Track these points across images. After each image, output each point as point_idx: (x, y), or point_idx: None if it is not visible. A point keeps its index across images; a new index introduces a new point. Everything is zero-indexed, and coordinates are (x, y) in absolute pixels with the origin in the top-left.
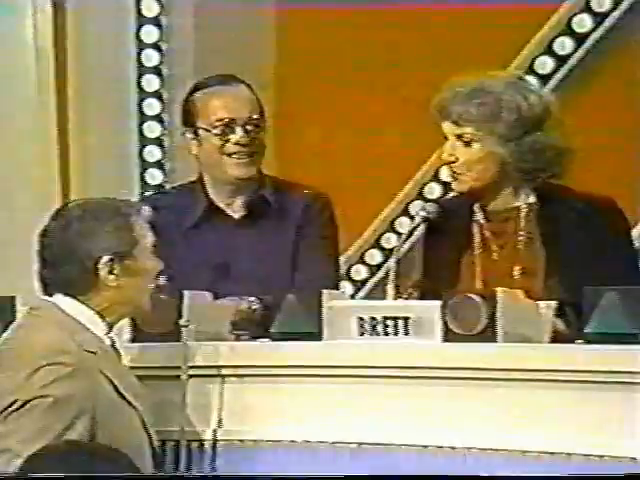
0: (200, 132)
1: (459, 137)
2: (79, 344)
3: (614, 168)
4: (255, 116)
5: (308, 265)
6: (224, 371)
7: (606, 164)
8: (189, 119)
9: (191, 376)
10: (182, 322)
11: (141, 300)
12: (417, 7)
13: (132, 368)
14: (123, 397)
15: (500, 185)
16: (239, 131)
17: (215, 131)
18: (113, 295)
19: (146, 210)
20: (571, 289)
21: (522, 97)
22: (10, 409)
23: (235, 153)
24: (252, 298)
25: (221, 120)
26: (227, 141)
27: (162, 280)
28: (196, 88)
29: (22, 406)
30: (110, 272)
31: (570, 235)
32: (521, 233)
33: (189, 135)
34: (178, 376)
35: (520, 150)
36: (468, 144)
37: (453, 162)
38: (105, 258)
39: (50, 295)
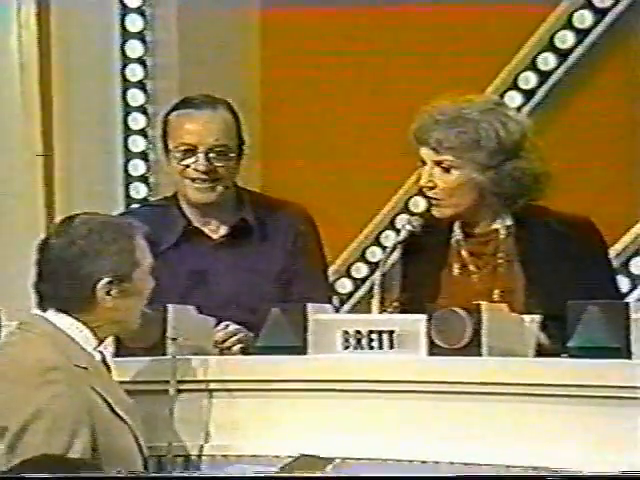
0: (169, 153)
1: (438, 164)
2: (69, 359)
3: (605, 180)
4: (221, 144)
5: (306, 289)
6: (212, 385)
7: (596, 176)
8: (163, 136)
9: (179, 390)
10: (172, 335)
11: (132, 320)
12: (404, 23)
13: (120, 383)
14: (115, 413)
15: (479, 209)
16: (200, 158)
17: (176, 155)
18: (106, 314)
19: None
20: (551, 308)
21: (501, 124)
22: (8, 433)
23: (195, 179)
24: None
25: (184, 145)
26: (187, 166)
27: None
28: (175, 107)
29: (22, 429)
30: (107, 293)
31: (548, 256)
32: (500, 255)
33: (164, 152)
34: (166, 390)
35: (500, 177)
36: (447, 171)
37: (431, 188)
38: (104, 280)
39: (44, 309)
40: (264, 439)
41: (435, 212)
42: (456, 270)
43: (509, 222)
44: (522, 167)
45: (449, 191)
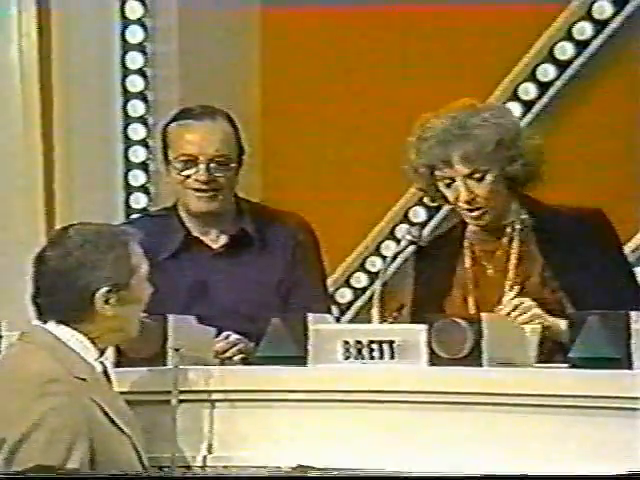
0: (169, 163)
1: (470, 175)
2: (69, 371)
3: (605, 192)
4: (221, 154)
5: (305, 299)
6: (213, 396)
7: (595, 188)
8: (163, 147)
9: (181, 401)
10: (175, 345)
11: (132, 327)
12: (405, 35)
13: (121, 393)
14: (114, 424)
15: (505, 203)
16: (201, 169)
17: (177, 165)
18: (106, 324)
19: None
20: (570, 299)
21: (509, 115)
22: (6, 445)
23: (196, 189)
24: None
25: (184, 155)
26: (188, 177)
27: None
28: (175, 117)
29: (19, 441)
30: (106, 302)
31: (566, 247)
32: (515, 247)
33: (164, 162)
34: (168, 401)
35: (524, 161)
36: (482, 178)
37: (470, 201)
38: (103, 289)
39: (44, 322)
40: (265, 449)
41: (476, 222)
42: (469, 272)
43: (523, 215)
44: (533, 143)
45: (488, 195)
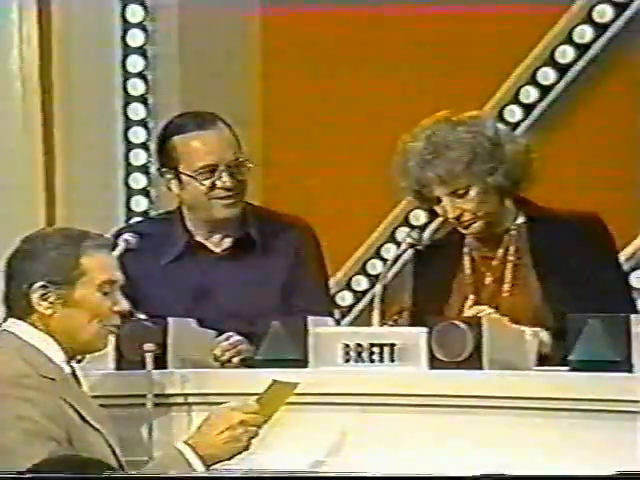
0: (183, 177)
1: (453, 193)
2: (37, 371)
3: (604, 196)
4: (237, 156)
5: (307, 302)
6: (191, 399)
7: (595, 192)
8: (169, 162)
9: (157, 404)
10: (147, 347)
11: (85, 336)
12: (405, 37)
13: (98, 397)
14: (87, 422)
15: (499, 210)
16: (225, 175)
17: (200, 177)
18: (54, 323)
19: (128, 241)
20: (564, 306)
21: (480, 127)
22: None
23: (222, 197)
24: (238, 338)
25: (206, 167)
26: (214, 186)
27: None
28: (174, 131)
29: None
30: (44, 299)
31: (561, 252)
32: (512, 254)
33: (169, 176)
34: (167, 404)
35: (506, 168)
36: (465, 193)
37: (459, 217)
38: (38, 283)
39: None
40: (264, 453)
41: (468, 232)
42: (468, 279)
43: (520, 220)
44: (515, 149)
45: (476, 208)
